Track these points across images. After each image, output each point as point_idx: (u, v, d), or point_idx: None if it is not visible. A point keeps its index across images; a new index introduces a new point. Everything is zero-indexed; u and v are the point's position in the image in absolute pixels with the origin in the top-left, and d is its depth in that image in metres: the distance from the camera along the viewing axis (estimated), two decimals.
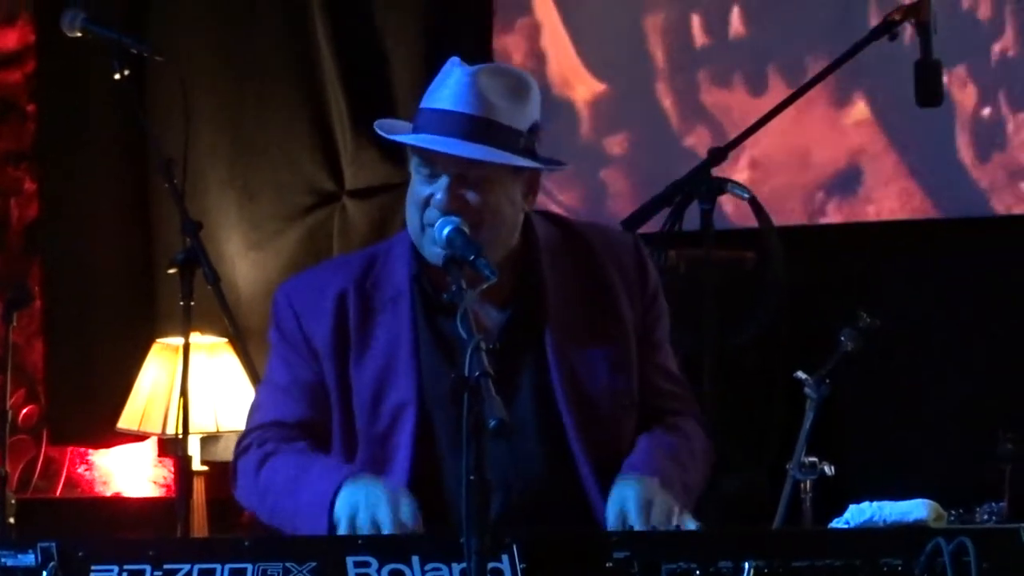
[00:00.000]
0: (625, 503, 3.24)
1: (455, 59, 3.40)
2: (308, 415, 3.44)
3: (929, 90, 4.07)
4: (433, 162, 3.34)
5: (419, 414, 3.36)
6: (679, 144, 5.84)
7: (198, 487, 5.64)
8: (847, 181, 5.67)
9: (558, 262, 3.46)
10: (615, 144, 5.98)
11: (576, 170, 5.86)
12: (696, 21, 5.87)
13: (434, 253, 3.33)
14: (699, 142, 5.77)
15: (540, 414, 3.37)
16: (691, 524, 3.22)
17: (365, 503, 3.20)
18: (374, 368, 3.40)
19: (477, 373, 2.86)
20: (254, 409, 3.53)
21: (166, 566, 2.92)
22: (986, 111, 5.48)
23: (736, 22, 5.80)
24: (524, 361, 3.39)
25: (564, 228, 3.55)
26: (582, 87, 5.98)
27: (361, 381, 3.40)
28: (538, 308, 3.41)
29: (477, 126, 3.31)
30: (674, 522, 3.19)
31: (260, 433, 3.45)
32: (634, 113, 5.95)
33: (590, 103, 6.01)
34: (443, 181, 3.33)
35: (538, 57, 6.06)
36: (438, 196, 3.32)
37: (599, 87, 6.00)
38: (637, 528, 3.18)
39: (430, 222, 3.33)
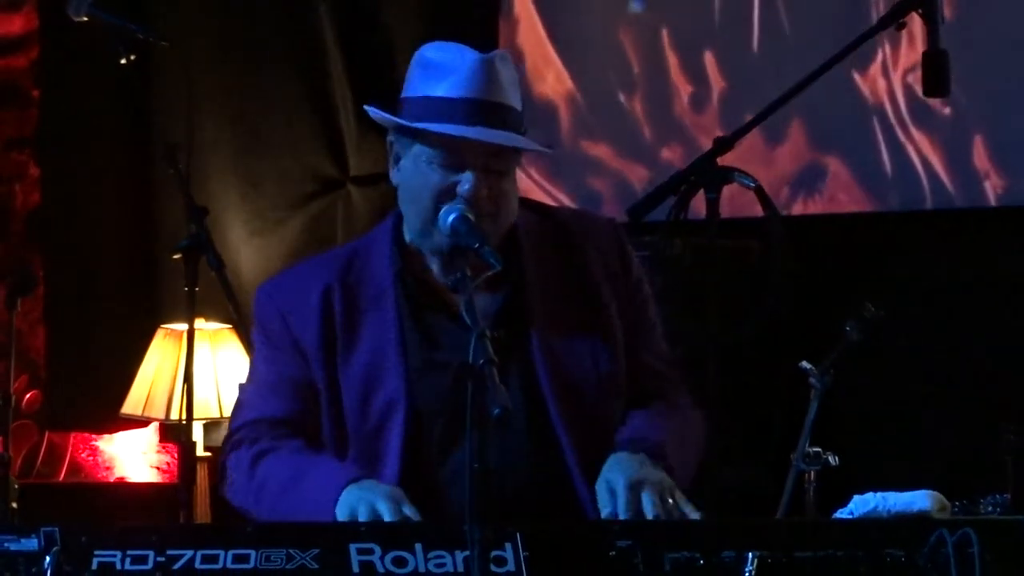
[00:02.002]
0: (613, 484, 3.21)
1: (452, 45, 3.36)
2: (295, 411, 3.41)
3: (936, 81, 4.06)
4: (459, 153, 3.29)
5: (408, 410, 3.34)
6: (653, 151, 5.86)
7: (201, 473, 5.64)
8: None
9: (538, 249, 3.43)
10: (592, 147, 6.01)
11: (559, 170, 5.91)
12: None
13: (441, 242, 3.30)
14: (673, 155, 5.81)
15: (527, 404, 3.35)
16: (687, 505, 3.20)
17: (366, 499, 3.19)
18: (361, 366, 3.38)
19: (482, 361, 2.85)
20: (239, 407, 3.50)
21: (169, 552, 2.93)
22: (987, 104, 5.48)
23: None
24: (511, 350, 3.36)
25: (542, 215, 3.52)
26: (559, 86, 5.99)
27: (349, 380, 3.38)
28: (521, 296, 3.39)
29: (502, 112, 3.30)
30: (668, 500, 3.17)
31: (249, 430, 3.42)
32: (607, 117, 5.97)
33: (567, 104, 6.02)
34: (469, 171, 3.29)
35: (515, 55, 6.09)
36: (466, 187, 3.27)
37: (573, 87, 6.01)
38: (622, 516, 3.16)
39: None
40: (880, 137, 5.63)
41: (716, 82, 5.82)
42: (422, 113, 3.32)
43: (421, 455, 3.35)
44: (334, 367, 3.39)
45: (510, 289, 3.36)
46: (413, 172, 3.36)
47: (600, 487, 3.25)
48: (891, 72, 5.60)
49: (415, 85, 3.36)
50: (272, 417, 3.41)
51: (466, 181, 3.29)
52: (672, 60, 5.89)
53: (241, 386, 3.56)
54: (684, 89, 5.87)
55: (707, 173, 3.94)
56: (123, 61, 4.66)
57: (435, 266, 3.39)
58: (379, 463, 3.34)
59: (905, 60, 5.55)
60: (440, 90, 3.31)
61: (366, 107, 3.48)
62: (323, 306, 3.40)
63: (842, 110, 5.64)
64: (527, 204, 3.53)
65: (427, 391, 3.36)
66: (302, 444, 3.38)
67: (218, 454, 5.78)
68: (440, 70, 3.33)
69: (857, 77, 5.60)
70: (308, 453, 3.37)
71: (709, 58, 5.83)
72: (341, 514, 3.19)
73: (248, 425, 3.43)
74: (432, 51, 3.37)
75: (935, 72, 4.05)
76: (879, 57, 5.59)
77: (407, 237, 3.43)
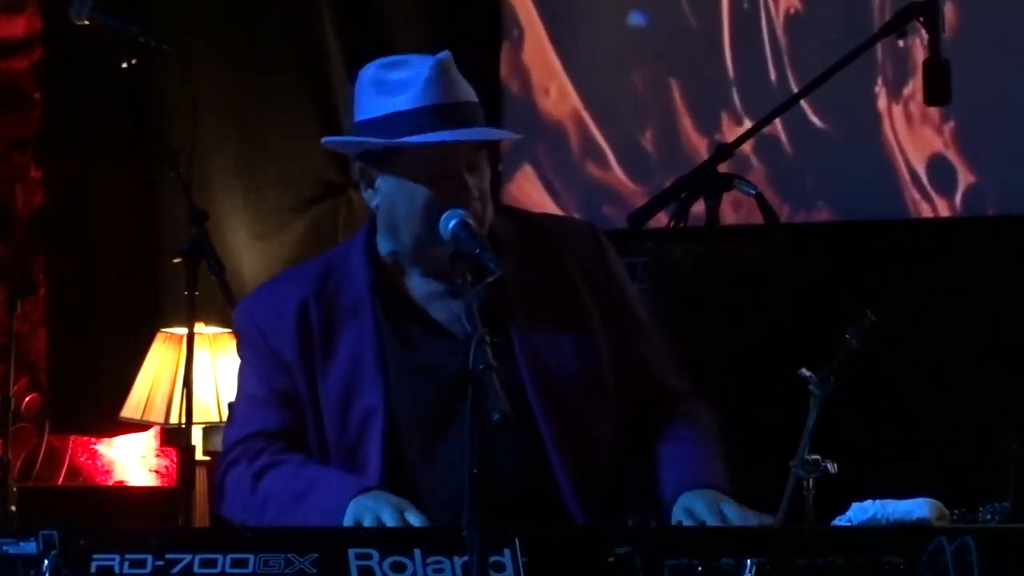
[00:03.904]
0: (692, 507, 3.22)
1: (396, 58, 3.35)
2: (288, 423, 3.40)
3: (938, 89, 4.06)
4: (442, 160, 3.28)
5: (387, 420, 3.34)
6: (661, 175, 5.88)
7: (200, 477, 5.63)
8: None
9: (516, 253, 3.41)
10: (600, 170, 6.01)
11: (568, 192, 5.93)
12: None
13: (441, 252, 3.27)
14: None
15: (511, 405, 3.31)
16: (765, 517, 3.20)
17: (371, 508, 3.18)
18: (339, 378, 3.37)
19: (482, 366, 2.85)
20: (231, 423, 3.50)
21: (168, 556, 2.92)
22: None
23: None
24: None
25: (519, 220, 3.51)
26: (564, 104, 6.01)
27: (328, 390, 3.37)
28: (500, 298, 3.37)
29: (472, 110, 3.30)
30: (750, 518, 3.18)
31: (246, 446, 3.41)
32: (615, 138, 5.98)
33: (574, 124, 6.03)
34: (457, 176, 3.28)
35: (521, 72, 6.10)
36: (460, 192, 3.26)
37: (580, 106, 6.02)
38: (710, 523, 3.17)
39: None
40: (885, 146, 5.64)
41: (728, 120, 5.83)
42: (393, 129, 3.29)
43: (401, 463, 3.34)
44: (313, 379, 3.38)
45: (489, 292, 3.32)
46: (397, 191, 3.33)
47: (677, 513, 3.24)
48: (890, 88, 5.62)
49: (371, 106, 3.33)
50: (266, 430, 3.40)
51: (457, 187, 3.28)
52: (677, 90, 5.90)
53: (231, 404, 3.56)
54: (689, 113, 5.88)
55: (707, 180, 3.94)
56: (125, 64, 4.67)
57: (414, 276, 3.39)
58: (360, 472, 3.33)
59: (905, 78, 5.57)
60: (403, 103, 3.29)
61: (324, 141, 3.45)
62: (300, 319, 3.40)
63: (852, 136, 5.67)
64: (505, 210, 3.53)
65: (406, 399, 3.35)
66: (304, 459, 3.37)
67: (217, 458, 5.79)
68: (395, 84, 3.31)
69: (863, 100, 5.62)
70: (312, 466, 3.36)
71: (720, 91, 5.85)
72: (348, 521, 3.18)
73: (244, 441, 3.42)
74: (376, 69, 3.35)
75: (936, 80, 4.06)
76: (880, 79, 5.61)
77: (381, 250, 3.42)
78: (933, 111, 5.44)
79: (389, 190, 3.34)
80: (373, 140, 3.32)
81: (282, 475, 3.35)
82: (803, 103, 5.50)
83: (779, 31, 5.79)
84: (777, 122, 5.54)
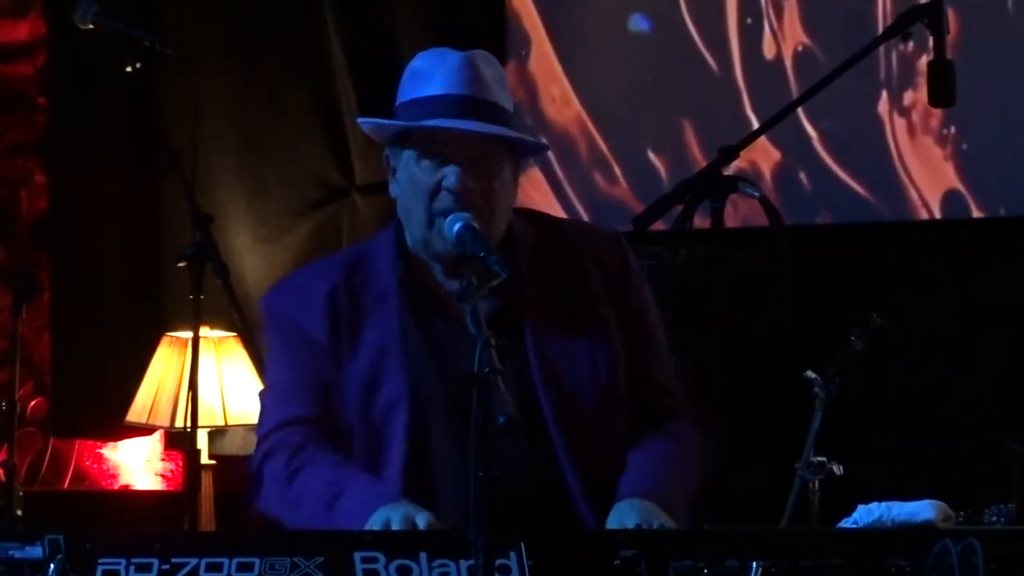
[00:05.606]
0: (624, 523, 3.21)
1: (438, 50, 3.40)
2: (319, 410, 3.41)
3: (942, 91, 4.06)
4: (445, 148, 3.31)
5: (411, 411, 3.35)
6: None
7: (205, 481, 5.64)
8: None
9: (536, 258, 3.43)
10: (607, 183, 6.01)
11: (575, 199, 5.95)
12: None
13: (443, 245, 3.31)
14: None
15: (521, 409, 3.30)
16: None
17: (402, 509, 3.19)
18: (364, 366, 3.38)
19: (487, 369, 2.86)
20: (263, 413, 3.49)
21: (173, 559, 2.93)
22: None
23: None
24: (505, 355, 3.34)
25: (543, 225, 3.52)
26: (569, 109, 6.01)
27: (352, 380, 3.38)
28: (517, 303, 3.38)
29: (488, 108, 3.31)
30: None
31: (281, 436, 3.40)
32: (621, 151, 5.98)
33: (582, 136, 6.03)
34: (454, 167, 3.30)
35: (527, 81, 6.10)
36: (452, 180, 3.29)
37: (587, 120, 6.02)
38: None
39: (442, 210, 3.29)
40: (887, 150, 5.64)
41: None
42: (409, 115, 3.36)
43: (423, 453, 3.35)
44: (339, 367, 3.40)
45: (505, 296, 3.34)
46: (406, 179, 3.37)
47: (611, 522, 3.24)
48: (893, 93, 5.62)
49: (404, 93, 3.40)
50: (298, 418, 3.40)
51: (451, 174, 3.30)
52: (681, 100, 5.90)
53: (261, 393, 3.55)
54: (693, 120, 5.88)
55: (712, 183, 3.94)
56: (128, 68, 4.67)
57: (437, 271, 3.40)
58: (381, 464, 3.35)
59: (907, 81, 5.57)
60: (425, 91, 3.34)
61: (359, 120, 3.51)
62: (329, 307, 3.41)
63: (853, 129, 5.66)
64: (529, 215, 3.54)
65: (429, 393, 3.36)
66: (339, 459, 3.37)
67: (222, 462, 5.80)
68: (426, 74, 3.36)
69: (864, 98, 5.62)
70: (345, 470, 3.35)
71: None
72: (375, 525, 3.18)
73: (278, 430, 3.41)
74: (419, 59, 3.41)
75: (940, 82, 4.06)
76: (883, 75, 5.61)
77: (409, 243, 3.43)
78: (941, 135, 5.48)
79: (402, 176, 3.38)
80: (378, 121, 3.38)
81: (316, 477, 3.34)
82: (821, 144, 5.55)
83: (782, 36, 5.79)
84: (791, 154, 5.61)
